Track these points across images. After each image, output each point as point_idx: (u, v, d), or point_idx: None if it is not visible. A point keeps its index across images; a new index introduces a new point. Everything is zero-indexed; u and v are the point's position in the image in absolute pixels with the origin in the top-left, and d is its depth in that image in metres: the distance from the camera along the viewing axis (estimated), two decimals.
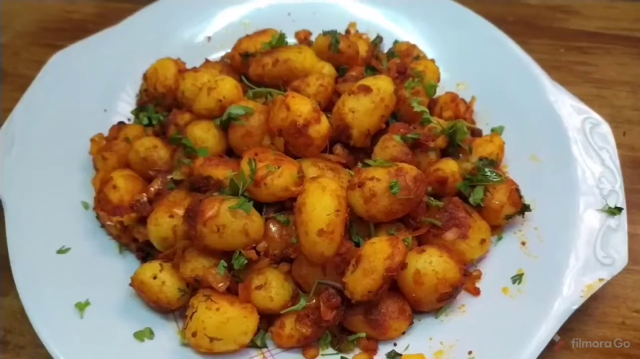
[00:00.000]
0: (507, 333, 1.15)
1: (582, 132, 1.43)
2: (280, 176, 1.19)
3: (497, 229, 1.34)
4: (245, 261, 1.17)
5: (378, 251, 1.12)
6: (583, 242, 1.25)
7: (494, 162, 1.39)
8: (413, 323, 1.20)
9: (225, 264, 1.18)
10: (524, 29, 2.01)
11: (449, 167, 1.30)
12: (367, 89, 1.31)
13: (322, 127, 1.27)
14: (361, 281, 1.11)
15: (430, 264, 1.16)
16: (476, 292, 1.25)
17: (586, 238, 1.25)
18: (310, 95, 1.36)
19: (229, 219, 1.14)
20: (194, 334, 1.12)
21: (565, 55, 1.96)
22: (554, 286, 1.19)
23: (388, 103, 1.33)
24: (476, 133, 1.49)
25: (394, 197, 1.16)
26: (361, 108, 1.30)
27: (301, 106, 1.26)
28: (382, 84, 1.32)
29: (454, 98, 1.50)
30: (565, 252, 1.24)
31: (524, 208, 1.32)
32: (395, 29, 1.80)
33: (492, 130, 1.52)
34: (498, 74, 1.62)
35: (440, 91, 1.53)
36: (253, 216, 1.17)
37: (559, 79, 1.60)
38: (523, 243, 1.31)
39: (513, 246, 1.31)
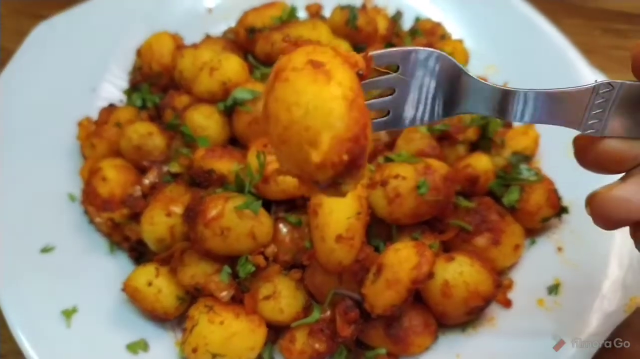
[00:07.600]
0: (542, 350, 1.04)
1: None
2: None
3: (530, 232, 1.21)
4: (252, 268, 1.04)
5: (403, 260, 1.00)
6: (627, 250, 1.12)
7: (528, 158, 1.25)
8: (438, 337, 1.09)
9: (230, 271, 1.06)
10: (555, 6, 1.82)
11: (481, 164, 1.16)
12: None
13: None
14: (383, 293, 0.99)
15: (461, 275, 1.04)
16: (507, 303, 1.13)
17: (630, 245, 1.12)
18: None
19: (234, 220, 1.02)
20: (194, 350, 1.01)
21: (602, 39, 1.79)
22: (595, 298, 1.08)
23: None
24: (507, 123, 1.34)
25: (421, 198, 1.04)
26: None
27: None
28: None
29: None
30: (605, 260, 1.13)
31: (562, 210, 1.19)
32: (416, 2, 1.64)
33: None
34: (530, 56, 1.49)
35: None
36: (262, 217, 1.04)
37: (594, 65, 1.44)
38: (559, 249, 1.19)
39: (548, 251, 1.19)
